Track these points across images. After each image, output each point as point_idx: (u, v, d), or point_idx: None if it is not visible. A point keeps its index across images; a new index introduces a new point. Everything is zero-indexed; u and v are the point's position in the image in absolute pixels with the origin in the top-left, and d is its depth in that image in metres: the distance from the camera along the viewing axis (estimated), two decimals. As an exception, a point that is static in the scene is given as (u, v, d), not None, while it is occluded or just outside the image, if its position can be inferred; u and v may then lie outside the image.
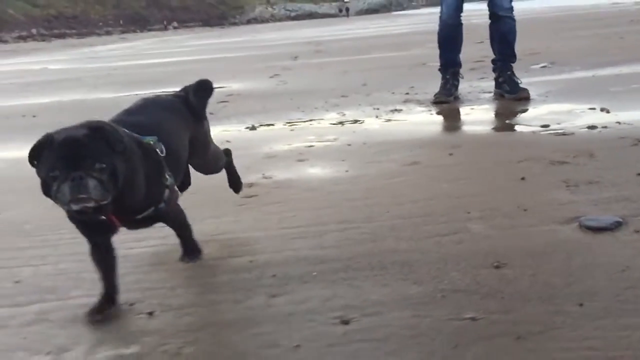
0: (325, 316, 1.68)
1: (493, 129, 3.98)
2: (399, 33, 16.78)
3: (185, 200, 2.66)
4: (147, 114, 1.94)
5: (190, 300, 1.84)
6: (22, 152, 2.17)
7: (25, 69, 13.02)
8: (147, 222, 1.83)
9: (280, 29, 30.03)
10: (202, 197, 2.79)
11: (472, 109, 4.58)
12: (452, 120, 4.38)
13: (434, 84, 5.38)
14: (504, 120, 4.17)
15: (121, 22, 34.81)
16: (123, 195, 1.62)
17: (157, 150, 1.80)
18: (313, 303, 1.76)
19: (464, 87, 5.20)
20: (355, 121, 4.46)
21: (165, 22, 36.28)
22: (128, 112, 1.95)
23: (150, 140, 1.80)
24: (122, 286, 1.85)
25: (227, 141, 4.15)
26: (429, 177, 2.88)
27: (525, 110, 4.37)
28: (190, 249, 2.00)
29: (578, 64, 6.50)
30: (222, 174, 2.50)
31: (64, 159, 1.52)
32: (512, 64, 4.64)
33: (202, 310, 1.77)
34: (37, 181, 1.60)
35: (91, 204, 1.54)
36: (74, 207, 1.55)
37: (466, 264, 1.91)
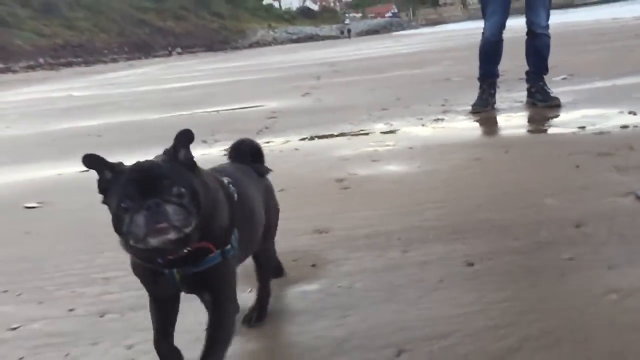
0: (453, 262, 2.22)
1: (536, 131, 4.56)
2: (408, 52, 17.49)
3: (289, 193, 3.22)
4: (222, 166, 1.85)
5: (339, 256, 2.38)
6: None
7: (50, 97, 13.63)
8: (201, 281, 1.51)
9: (285, 52, 30.88)
10: (303, 189, 3.36)
11: (510, 116, 5.16)
12: (496, 126, 4.96)
13: (466, 96, 5.99)
14: (543, 124, 4.74)
15: (126, 49, 35.79)
16: (205, 222, 1.43)
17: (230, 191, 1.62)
18: (439, 254, 2.30)
19: (550, 223, 5.76)
20: (403, 129, 5.03)
21: (169, 48, 37.22)
22: None
23: (225, 180, 1.64)
24: (283, 249, 2.38)
25: (296, 149, 4.73)
26: (495, 169, 3.44)
27: (558, 116, 4.95)
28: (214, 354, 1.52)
29: (596, 75, 7.11)
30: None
31: (135, 185, 1.35)
32: (544, 76, 5.23)
33: (352, 262, 2.32)
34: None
35: (172, 235, 1.33)
36: (152, 241, 1.32)
37: (551, 226, 2.46)
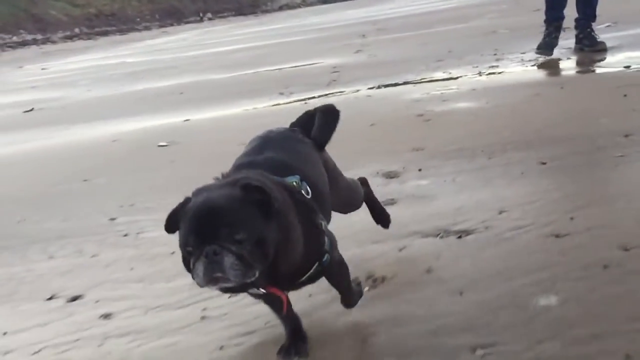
0: (529, 162, 2.98)
1: (586, 71, 5.22)
2: (448, 8, 17.82)
3: (380, 126, 3.99)
4: (277, 150, 1.74)
5: (438, 164, 3.16)
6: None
7: (105, 64, 14.53)
8: (310, 281, 1.64)
9: (318, 13, 31.20)
10: (390, 123, 4.13)
11: (561, 60, 5.80)
12: (548, 69, 5.61)
13: (515, 46, 6.63)
14: (592, 65, 5.39)
15: (157, 16, 36.61)
16: (278, 264, 1.44)
17: (303, 192, 1.61)
18: (518, 158, 3.06)
19: (607, 135, 6.36)
20: (462, 76, 5.72)
21: (200, 14, 37.93)
22: (254, 150, 1.75)
23: (294, 181, 1.61)
24: (391, 163, 3.16)
25: (368, 96, 5.48)
26: (554, 101, 4.16)
27: (604, 59, 5.58)
28: (350, 297, 1.81)
29: (639, 22, 7.62)
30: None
31: (196, 230, 1.37)
32: (592, 23, 5.84)
33: (449, 166, 3.09)
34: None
35: (231, 284, 1.37)
36: (213, 288, 1.40)
37: (605, 136, 3.18)
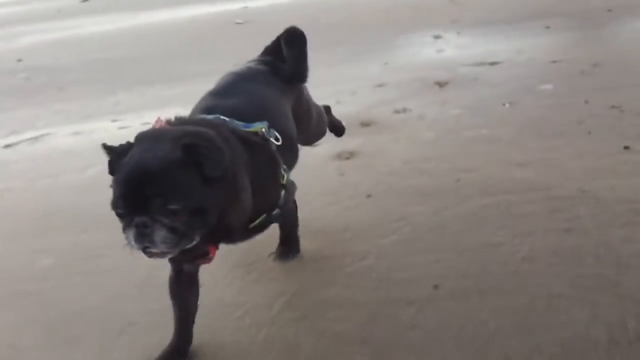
0: (538, 27, 4.27)
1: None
2: None
3: (422, 7, 5.23)
4: (245, 94, 1.71)
5: (476, 27, 4.44)
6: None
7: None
8: (257, 232, 1.58)
9: None
10: (429, 6, 5.35)
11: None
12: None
13: None
14: None
15: None
16: (221, 225, 1.39)
17: (272, 139, 1.58)
18: (530, 25, 4.35)
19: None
20: None
21: None
22: (219, 93, 1.71)
23: (261, 127, 1.57)
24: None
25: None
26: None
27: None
28: (290, 247, 1.92)
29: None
30: None
31: (125, 196, 1.28)
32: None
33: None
34: None
35: (163, 256, 1.35)
36: (145, 255, 1.33)
37: (595, 11, 4.47)
